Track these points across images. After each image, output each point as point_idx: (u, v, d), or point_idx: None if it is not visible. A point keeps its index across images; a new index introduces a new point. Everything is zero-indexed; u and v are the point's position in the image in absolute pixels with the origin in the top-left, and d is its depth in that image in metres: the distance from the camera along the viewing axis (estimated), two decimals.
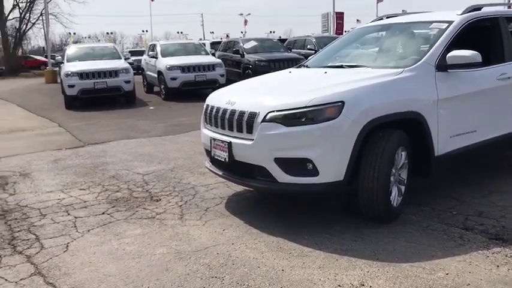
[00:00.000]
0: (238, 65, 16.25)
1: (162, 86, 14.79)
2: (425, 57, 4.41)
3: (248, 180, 4.18)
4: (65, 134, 9.73)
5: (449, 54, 4.38)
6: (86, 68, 13.68)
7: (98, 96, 13.70)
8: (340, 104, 3.83)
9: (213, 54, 17.41)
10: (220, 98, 4.60)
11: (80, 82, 13.44)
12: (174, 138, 8.54)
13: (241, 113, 4.11)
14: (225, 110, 4.32)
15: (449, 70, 4.44)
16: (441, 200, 4.69)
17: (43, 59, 41.81)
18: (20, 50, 46.83)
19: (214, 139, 4.41)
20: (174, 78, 14.23)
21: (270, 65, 14.86)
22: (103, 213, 4.70)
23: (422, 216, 4.28)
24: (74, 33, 61.53)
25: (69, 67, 13.98)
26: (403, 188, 4.27)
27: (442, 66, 4.41)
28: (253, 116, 4.01)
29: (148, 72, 16.57)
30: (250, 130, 4.03)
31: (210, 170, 4.68)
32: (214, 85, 13.96)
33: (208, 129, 4.68)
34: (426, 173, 4.48)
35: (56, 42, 76.48)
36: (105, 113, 12.45)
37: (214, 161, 4.55)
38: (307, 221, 4.23)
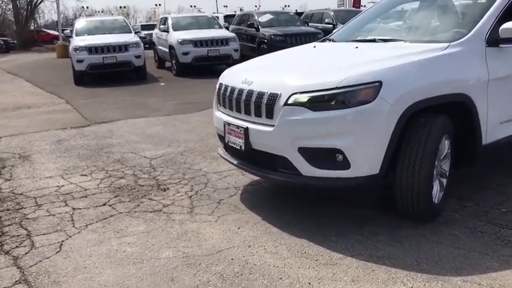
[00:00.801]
0: (253, 40, 15.56)
1: (174, 61, 14.20)
2: (473, 30, 3.78)
3: (267, 171, 3.64)
4: (71, 111, 9.25)
5: (502, 27, 3.74)
6: (95, 42, 13.14)
7: (108, 72, 13.18)
8: (377, 84, 3.24)
9: (227, 28, 16.71)
10: (235, 76, 4.04)
11: (88, 57, 12.93)
12: (185, 118, 8.01)
13: (260, 95, 3.55)
14: (240, 91, 3.76)
15: (501, 45, 3.80)
16: (486, 193, 4.12)
17: (56, 33, 41.26)
18: (33, 24, 46.30)
19: (229, 124, 3.87)
20: (186, 53, 13.62)
21: (287, 40, 14.21)
22: (104, 204, 4.21)
23: (466, 214, 3.72)
24: (87, 7, 60.89)
25: (77, 41, 13.46)
26: (444, 181, 3.70)
27: (494, 40, 3.77)
28: (273, 98, 3.44)
29: (159, 47, 15.97)
30: (270, 115, 3.48)
31: (224, 158, 4.15)
32: (228, 61, 13.37)
33: (221, 112, 4.13)
34: (471, 164, 3.90)
35: (69, 16, 75.84)
36: (115, 89, 11.94)
37: (228, 148, 4.01)
38: (333, 218, 3.70)
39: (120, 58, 13.03)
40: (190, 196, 4.35)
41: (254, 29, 15.52)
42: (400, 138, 3.33)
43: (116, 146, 6.28)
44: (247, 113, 3.68)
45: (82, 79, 13.27)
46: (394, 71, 3.36)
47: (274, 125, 3.44)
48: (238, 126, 3.73)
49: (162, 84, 12.82)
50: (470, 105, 3.59)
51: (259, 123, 3.58)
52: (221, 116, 4.07)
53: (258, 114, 3.57)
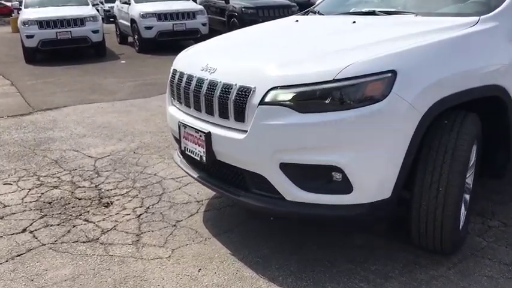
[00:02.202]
0: (223, 13, 14.37)
1: (136, 37, 12.94)
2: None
3: (237, 193, 2.68)
4: (14, 95, 8.04)
5: None
6: (46, 15, 11.74)
7: (63, 49, 11.86)
8: (389, 75, 2.30)
9: (194, 0, 15.44)
10: (193, 61, 3.03)
11: (39, 32, 11.55)
12: (144, 103, 6.94)
13: (226, 88, 2.57)
14: (200, 81, 2.76)
15: None
16: (510, 207, 3.28)
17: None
18: None
19: (185, 125, 2.88)
20: (149, 28, 12.37)
21: (259, 13, 13.15)
22: (24, 231, 3.20)
23: (495, 240, 2.87)
24: None
25: (27, 14, 12.05)
26: (468, 197, 2.82)
27: None
28: (245, 93, 2.47)
29: (120, 21, 14.61)
30: (240, 116, 2.51)
31: (181, 167, 3.17)
32: (195, 35, 12.25)
33: (177, 108, 3.13)
34: (501, 175, 3.03)
35: None
36: (69, 68, 10.67)
37: (186, 156, 3.03)
38: (328, 253, 2.79)
39: (75, 33, 11.70)
40: (139, 215, 3.37)
41: (223, 1, 14.32)
42: (419, 149, 2.43)
43: (56, 142, 5.21)
44: (209, 112, 2.70)
45: (34, 56, 11.91)
46: (412, 55, 2.41)
47: (246, 131, 2.47)
48: (197, 130, 2.74)
49: (123, 61, 11.60)
50: (505, 100, 2.69)
51: (226, 127, 2.61)
52: (176, 113, 3.08)
53: (223, 115, 2.60)
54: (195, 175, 2.97)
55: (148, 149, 4.85)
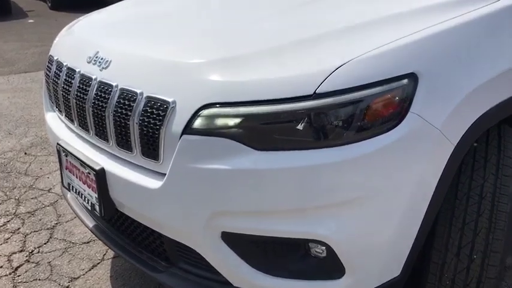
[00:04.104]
0: None
1: None
2: None
3: (157, 266, 1.66)
4: None
5: None
6: None
7: None
8: (406, 83, 1.33)
9: None
10: (78, 44, 1.90)
11: None
12: None
13: (127, 97, 1.50)
14: (85, 81, 1.67)
15: None
16: None
17: None
18: None
19: (66, 151, 1.79)
20: None
21: None
22: None
23: None
24: None
25: None
26: None
27: None
28: (159, 110, 1.42)
29: None
30: (152, 150, 1.46)
31: (70, 205, 2.09)
32: None
33: (58, 118, 2.02)
34: None
35: None
36: None
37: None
38: None
39: None
40: (15, 269, 2.29)
41: None
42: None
43: None
44: (102, 136, 1.63)
45: None
46: (440, 46, 1.43)
47: (164, 175, 1.44)
48: (83, 164, 1.67)
49: (31, 21, 9.92)
50: None
51: (129, 164, 1.57)
52: (55, 126, 1.97)
53: (124, 143, 1.54)
54: (90, 224, 1.92)
55: (46, 147, 3.68)
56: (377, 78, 1.31)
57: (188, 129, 1.36)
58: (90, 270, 2.28)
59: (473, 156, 1.60)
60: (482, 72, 1.46)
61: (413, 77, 1.34)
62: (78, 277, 2.24)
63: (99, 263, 2.33)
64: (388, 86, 1.32)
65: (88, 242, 2.49)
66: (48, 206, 2.85)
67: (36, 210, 2.81)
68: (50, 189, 3.04)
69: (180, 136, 1.37)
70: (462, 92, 1.40)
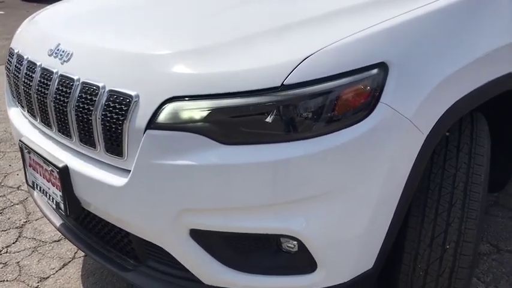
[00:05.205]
0: None
1: None
2: None
3: (125, 265, 1.61)
4: None
5: None
6: None
7: None
8: (376, 72, 1.30)
9: None
10: (39, 35, 1.82)
11: None
12: None
13: (89, 92, 1.44)
14: (46, 74, 1.60)
15: None
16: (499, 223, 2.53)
17: None
18: None
19: (29, 148, 1.72)
20: None
21: None
22: None
23: (493, 280, 2.10)
24: None
25: None
26: None
27: None
28: (121, 104, 1.36)
29: None
30: (116, 146, 1.41)
31: (36, 204, 2.02)
32: None
33: (21, 113, 1.95)
34: (499, 187, 2.22)
35: None
36: None
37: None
38: None
39: None
40: None
41: None
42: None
43: None
44: (65, 131, 1.57)
45: None
46: (410, 34, 1.40)
47: (129, 171, 1.39)
48: (46, 161, 1.60)
49: (1, 12, 9.64)
50: None
51: (93, 161, 1.51)
52: (18, 122, 1.89)
53: (87, 139, 1.48)
54: (58, 222, 1.85)
55: (15, 143, 3.56)
56: (346, 69, 1.28)
57: (152, 124, 1.31)
58: (60, 269, 2.22)
59: (446, 146, 1.59)
60: (453, 61, 1.43)
61: (383, 67, 1.30)
62: (48, 277, 2.17)
63: (70, 262, 2.27)
64: (358, 76, 1.28)
65: (58, 241, 2.42)
66: (17, 204, 2.77)
67: (4, 208, 2.72)
68: (20, 186, 2.95)
69: (144, 131, 1.32)
70: (433, 82, 1.37)
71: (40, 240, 2.43)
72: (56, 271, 2.21)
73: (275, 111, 1.25)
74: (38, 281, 2.15)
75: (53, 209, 1.80)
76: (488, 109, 1.81)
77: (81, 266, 2.23)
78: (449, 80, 1.41)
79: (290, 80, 1.24)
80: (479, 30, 1.54)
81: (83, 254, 2.31)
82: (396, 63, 1.32)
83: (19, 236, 2.47)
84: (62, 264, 2.26)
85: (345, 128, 1.28)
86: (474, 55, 1.49)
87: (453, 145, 1.59)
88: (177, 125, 1.29)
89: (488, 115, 1.80)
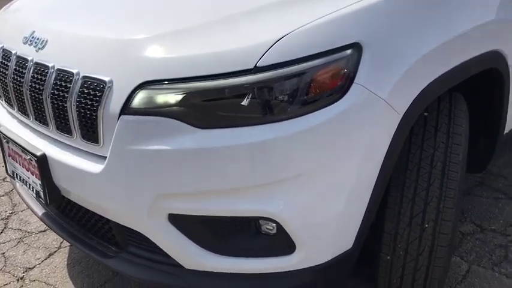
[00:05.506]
0: None
1: None
2: None
3: (107, 252, 1.61)
4: None
5: None
6: None
7: None
8: (350, 53, 1.30)
9: None
10: (14, 22, 1.80)
11: None
12: None
13: (63, 79, 1.43)
14: (21, 62, 1.59)
15: None
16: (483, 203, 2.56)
17: None
18: None
19: (7, 138, 1.71)
20: None
21: None
22: None
23: (476, 258, 2.12)
24: None
25: None
26: None
27: None
28: (96, 90, 1.35)
29: None
30: (91, 132, 1.40)
31: (18, 192, 2.02)
32: None
33: None
34: (481, 168, 2.23)
35: None
36: None
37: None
38: None
39: None
40: None
41: None
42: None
43: None
44: (41, 120, 1.56)
45: None
46: (385, 13, 1.39)
47: (105, 158, 1.39)
48: (25, 150, 1.60)
49: None
50: (503, 71, 1.81)
51: (70, 149, 1.50)
52: None
53: (63, 127, 1.48)
54: (40, 212, 1.85)
55: None
56: (320, 50, 1.28)
57: (126, 109, 1.30)
58: (46, 259, 2.22)
59: (424, 126, 1.59)
60: (428, 40, 1.43)
61: (357, 47, 1.30)
62: (34, 267, 2.17)
63: (55, 252, 2.27)
64: (332, 57, 1.28)
65: (44, 231, 2.42)
66: (2, 195, 2.76)
67: None
68: (5, 178, 2.94)
69: (118, 117, 1.31)
70: (408, 62, 1.37)
71: (26, 231, 2.43)
72: (42, 261, 2.21)
73: (249, 94, 1.25)
74: (24, 271, 2.15)
75: (34, 198, 1.79)
76: (469, 89, 1.83)
77: (67, 256, 2.24)
78: (425, 59, 1.41)
79: (263, 62, 1.24)
80: (455, 9, 1.54)
81: (68, 243, 2.31)
82: (370, 43, 1.31)
83: (5, 227, 2.47)
84: (47, 254, 2.26)
85: (320, 109, 1.28)
86: (450, 34, 1.49)
87: (431, 125, 1.59)
88: (151, 110, 1.28)
89: (469, 95, 1.81)
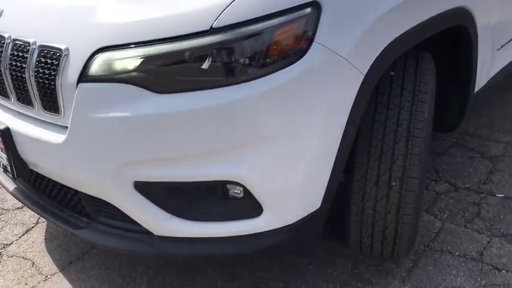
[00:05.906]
0: None
1: None
2: None
3: (78, 222, 1.61)
4: None
5: None
6: None
7: None
8: (309, 12, 1.28)
9: None
10: None
11: None
12: None
13: (20, 49, 1.41)
14: None
15: None
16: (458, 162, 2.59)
17: None
18: None
19: None
20: None
21: None
22: None
23: (449, 216, 2.16)
24: None
25: None
26: None
27: None
28: (52, 59, 1.33)
29: None
30: (51, 102, 1.38)
31: None
32: None
33: None
34: (453, 127, 2.25)
35: None
36: None
37: None
38: (232, 278, 1.89)
39: None
40: None
41: None
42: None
43: None
44: (2, 92, 1.54)
45: None
46: None
47: (66, 127, 1.37)
48: None
49: None
50: (470, 29, 1.81)
51: (33, 120, 1.49)
52: None
53: (24, 98, 1.46)
54: (11, 187, 1.84)
55: None
56: (278, 8, 1.26)
57: (84, 77, 1.28)
58: (23, 235, 2.22)
59: (390, 85, 1.59)
60: None
61: (316, 5, 1.29)
62: (11, 243, 2.17)
63: (33, 227, 2.27)
64: (290, 16, 1.27)
65: (22, 207, 2.41)
66: None
67: None
68: None
69: (77, 85, 1.29)
70: (368, 19, 1.36)
71: (3, 209, 2.42)
72: (19, 237, 2.21)
73: (208, 56, 1.23)
74: (1, 247, 2.15)
75: (2, 172, 1.78)
76: (439, 48, 1.82)
77: (44, 231, 2.24)
78: (386, 17, 1.40)
79: (219, 23, 1.22)
80: None
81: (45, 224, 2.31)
82: (329, 1, 1.30)
83: None
84: (25, 230, 2.25)
85: (281, 69, 1.27)
86: None
87: (397, 84, 1.59)
88: (109, 77, 1.26)
89: (439, 55, 1.80)
